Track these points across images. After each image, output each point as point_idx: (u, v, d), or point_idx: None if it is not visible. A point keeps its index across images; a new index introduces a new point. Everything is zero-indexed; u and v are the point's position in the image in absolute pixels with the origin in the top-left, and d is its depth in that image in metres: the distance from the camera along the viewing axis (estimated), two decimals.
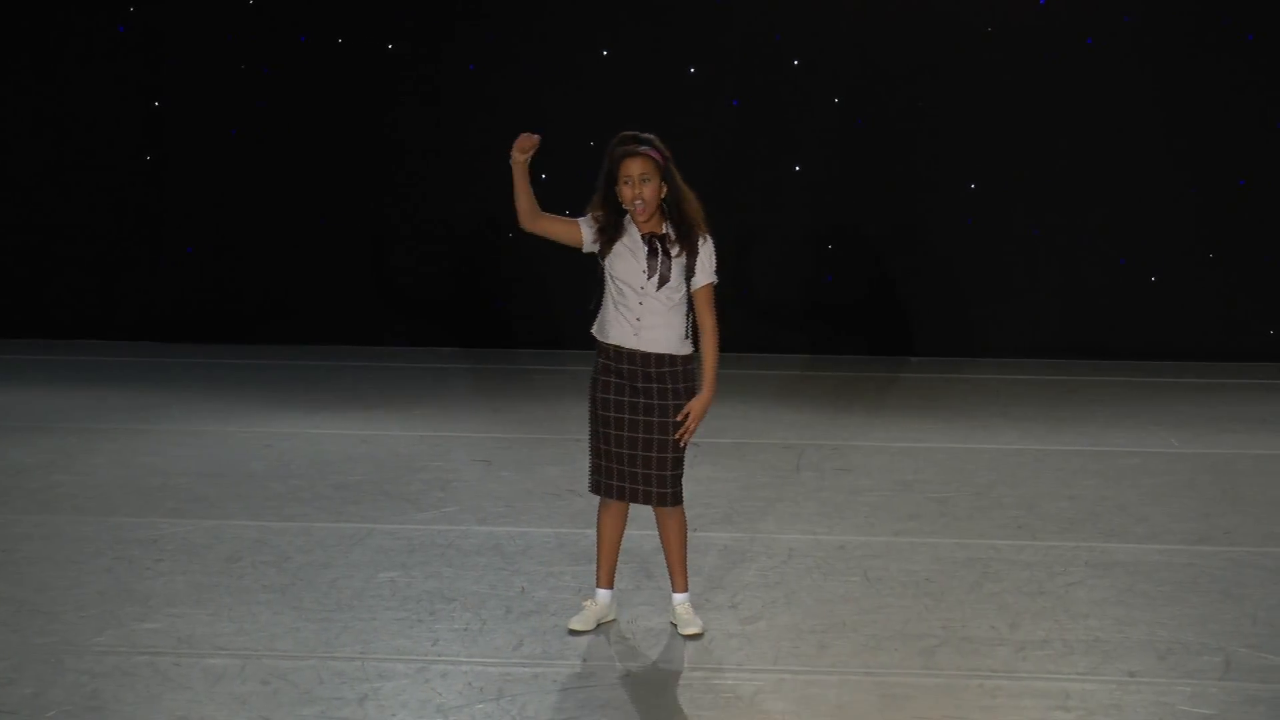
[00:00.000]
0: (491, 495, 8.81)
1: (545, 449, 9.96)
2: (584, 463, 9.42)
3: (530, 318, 14.14)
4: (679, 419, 6.34)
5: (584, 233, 6.45)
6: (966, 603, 6.93)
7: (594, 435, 6.47)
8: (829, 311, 14.04)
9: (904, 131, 13.85)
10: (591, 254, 6.47)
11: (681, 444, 6.36)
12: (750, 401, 11.68)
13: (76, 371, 12.85)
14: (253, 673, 6.01)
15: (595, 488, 6.52)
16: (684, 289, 6.37)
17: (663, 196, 6.35)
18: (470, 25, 14.10)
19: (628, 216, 6.37)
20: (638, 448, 6.39)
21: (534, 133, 6.38)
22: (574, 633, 6.50)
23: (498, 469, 9.47)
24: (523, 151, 6.37)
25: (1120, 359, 13.70)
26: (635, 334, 6.35)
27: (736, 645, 6.38)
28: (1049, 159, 13.79)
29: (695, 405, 6.35)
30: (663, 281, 6.33)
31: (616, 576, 6.92)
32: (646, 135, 6.40)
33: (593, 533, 7.81)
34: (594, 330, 6.48)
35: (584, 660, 6.20)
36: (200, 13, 14.26)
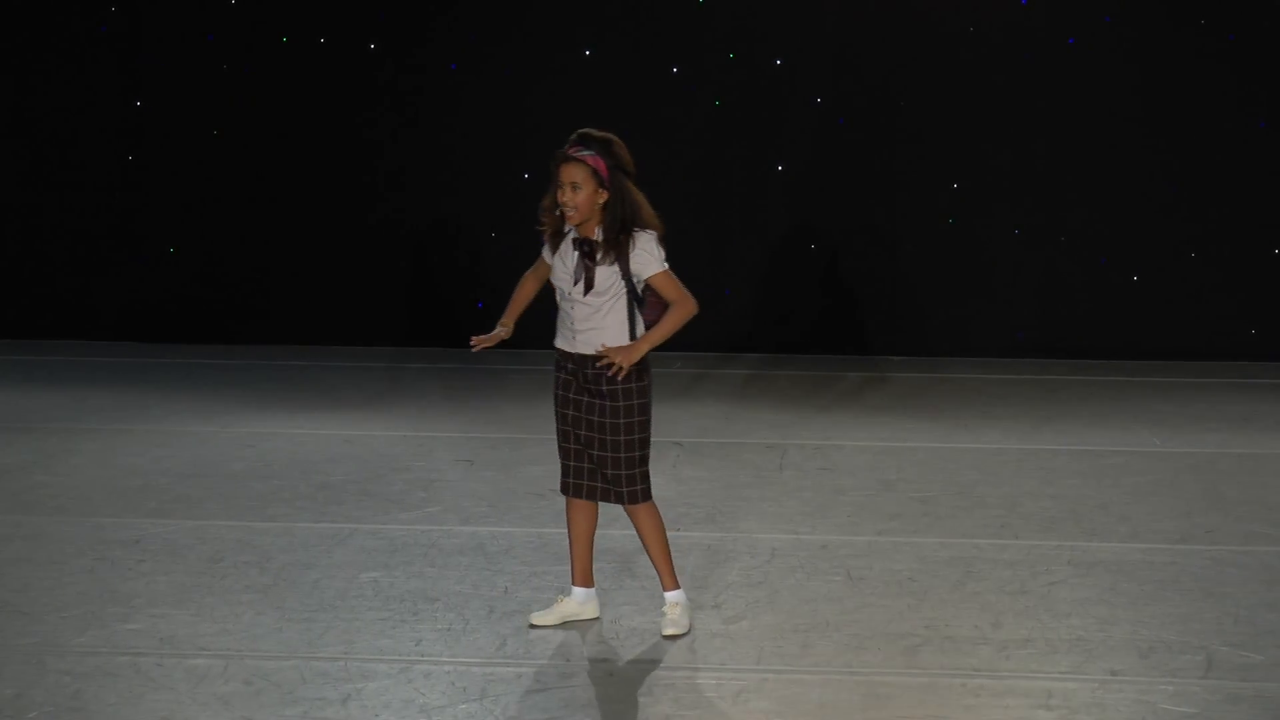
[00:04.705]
0: (474, 495, 8.80)
1: (527, 449, 9.95)
2: None
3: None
4: (602, 351, 6.27)
5: (548, 260, 6.49)
6: (949, 602, 6.94)
7: (558, 435, 6.52)
8: (811, 311, 14.05)
9: (886, 131, 13.86)
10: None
11: (611, 368, 6.27)
12: (732, 401, 11.69)
13: (57, 371, 12.82)
14: (235, 673, 6.00)
15: (563, 488, 6.56)
16: (618, 289, 6.31)
17: (602, 203, 6.28)
18: (451, 25, 14.09)
19: None
20: (594, 447, 6.41)
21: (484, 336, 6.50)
22: (533, 626, 6.51)
23: (480, 469, 9.46)
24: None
25: (1102, 358, 13.72)
26: (573, 337, 6.37)
27: (719, 645, 6.38)
28: (1030, 158, 13.81)
29: (617, 349, 6.25)
30: (588, 287, 6.30)
31: (599, 576, 6.93)
32: (602, 135, 6.31)
33: None
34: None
35: (567, 660, 6.20)
36: (181, 13, 14.23)
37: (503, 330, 6.49)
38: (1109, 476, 9.35)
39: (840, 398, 12.00)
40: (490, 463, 9.61)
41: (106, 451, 9.84)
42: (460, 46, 14.07)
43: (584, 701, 5.77)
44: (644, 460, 6.44)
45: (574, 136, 6.34)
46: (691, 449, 9.98)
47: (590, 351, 6.34)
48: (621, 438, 6.37)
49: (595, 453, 6.41)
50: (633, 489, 6.42)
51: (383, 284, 14.33)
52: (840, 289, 14.07)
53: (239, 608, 6.78)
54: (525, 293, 6.62)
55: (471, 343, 6.52)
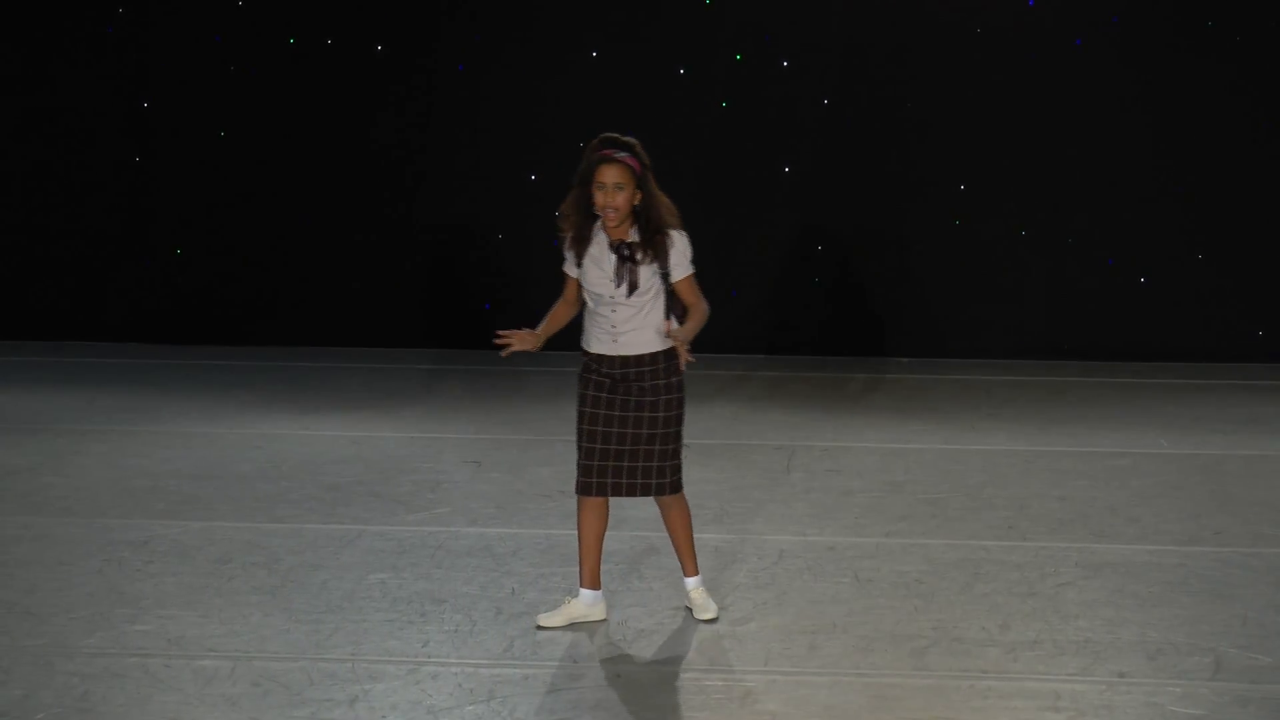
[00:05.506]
0: (482, 496, 8.80)
1: (535, 450, 9.96)
2: (573, 464, 9.46)
3: (519, 319, 14.10)
4: (669, 334, 6.34)
5: (574, 274, 6.52)
6: (957, 604, 6.94)
7: (582, 435, 6.53)
8: (818, 312, 14.04)
9: (893, 132, 13.85)
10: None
11: (683, 350, 6.31)
12: (740, 402, 11.68)
13: (65, 373, 12.83)
14: (243, 674, 6.01)
15: (584, 489, 6.56)
16: (656, 287, 6.42)
17: (635, 204, 6.37)
18: (459, 26, 14.09)
19: (598, 222, 6.40)
20: (626, 442, 6.47)
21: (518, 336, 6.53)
22: (540, 628, 6.53)
23: (488, 470, 9.46)
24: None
25: (1109, 360, 13.70)
26: (614, 340, 6.43)
27: (727, 646, 6.39)
28: (1037, 159, 13.79)
29: (680, 330, 6.32)
30: (632, 289, 6.38)
31: (606, 578, 6.94)
32: (627, 139, 6.42)
33: None
34: (581, 341, 6.53)
35: (574, 661, 6.20)
36: (188, 14, 14.23)
37: (533, 338, 6.50)
38: (1117, 478, 9.35)
39: (847, 399, 12.00)
40: (498, 464, 9.61)
41: (115, 453, 9.84)
42: (467, 48, 14.07)
43: (591, 703, 5.77)
44: (680, 452, 6.60)
45: (599, 141, 6.40)
46: (699, 450, 9.97)
47: (633, 352, 6.42)
48: (670, 430, 6.50)
49: (643, 448, 6.47)
50: (675, 479, 6.56)
51: (390, 285, 14.33)
52: (847, 290, 14.06)
53: (247, 609, 6.78)
54: (558, 317, 6.66)
55: (499, 337, 6.49)
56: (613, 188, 6.31)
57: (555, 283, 12.41)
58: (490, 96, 14.04)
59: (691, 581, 6.73)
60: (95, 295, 14.50)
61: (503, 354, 6.60)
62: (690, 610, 6.72)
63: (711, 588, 7.05)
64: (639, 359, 6.43)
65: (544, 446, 10.06)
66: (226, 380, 12.55)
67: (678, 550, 6.73)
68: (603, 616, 6.66)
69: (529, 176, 13.97)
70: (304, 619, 6.65)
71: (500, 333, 6.52)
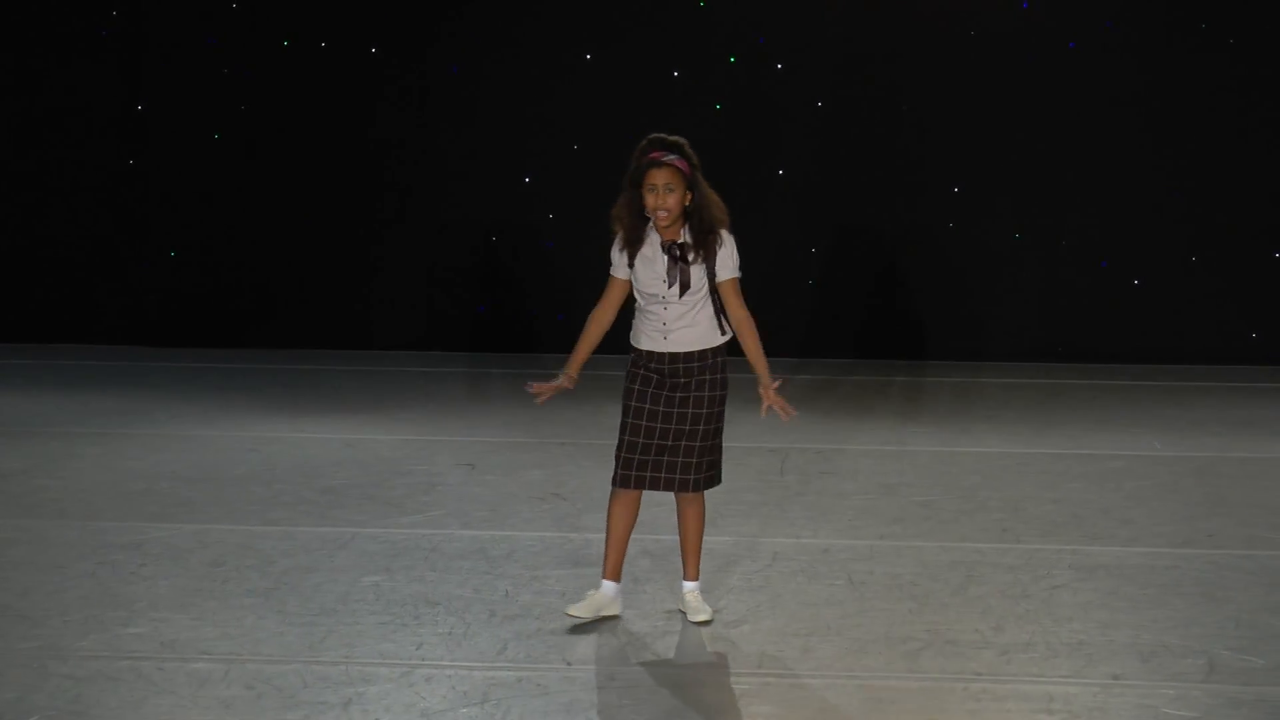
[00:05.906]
0: (476, 499, 8.80)
1: (529, 453, 9.96)
2: (567, 467, 9.51)
3: (515, 321, 14.14)
4: (767, 408, 6.54)
5: (622, 276, 6.55)
6: (951, 606, 6.94)
7: (625, 429, 6.57)
8: (813, 315, 14.05)
9: (887, 135, 13.87)
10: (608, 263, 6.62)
11: (781, 404, 6.53)
12: (734, 405, 11.64)
13: (60, 375, 12.82)
14: (237, 677, 6.00)
15: (623, 481, 6.59)
16: (706, 287, 6.49)
17: (686, 205, 6.41)
18: (454, 28, 14.10)
19: (650, 223, 6.44)
20: (668, 438, 6.53)
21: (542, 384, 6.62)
22: (570, 616, 6.55)
23: (482, 473, 9.46)
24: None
25: (1103, 362, 13.72)
26: (664, 338, 6.51)
27: (721, 649, 6.39)
28: (1032, 162, 13.82)
29: (767, 393, 6.54)
30: (684, 288, 6.46)
31: (602, 581, 6.93)
32: (676, 139, 6.47)
33: (578, 536, 7.88)
34: (630, 338, 6.59)
35: (568, 664, 6.20)
36: (183, 16, 14.25)
37: (566, 380, 6.60)
38: (1111, 480, 9.35)
39: (842, 401, 12.00)
40: (492, 467, 9.61)
41: (109, 455, 9.84)
42: (462, 50, 14.08)
43: (585, 705, 5.77)
44: (719, 449, 6.67)
45: (648, 143, 6.44)
46: None
47: (682, 349, 6.50)
48: (710, 427, 6.57)
49: (684, 443, 6.53)
50: (710, 474, 6.65)
51: (385, 288, 14.33)
52: (841, 293, 14.07)
53: (240, 612, 6.78)
54: (592, 339, 6.67)
55: (533, 390, 6.60)
56: (663, 189, 6.37)
57: (550, 284, 12.52)
58: (485, 98, 14.05)
59: (689, 585, 6.75)
60: (90, 298, 14.50)
61: (538, 401, 6.69)
62: (684, 613, 6.73)
63: (705, 590, 7.05)
64: (688, 355, 6.51)
65: (538, 449, 10.06)
66: (221, 383, 12.54)
67: (684, 551, 6.74)
68: (618, 612, 6.68)
69: (523, 178, 13.97)
70: (297, 622, 6.64)
71: (535, 387, 6.59)
